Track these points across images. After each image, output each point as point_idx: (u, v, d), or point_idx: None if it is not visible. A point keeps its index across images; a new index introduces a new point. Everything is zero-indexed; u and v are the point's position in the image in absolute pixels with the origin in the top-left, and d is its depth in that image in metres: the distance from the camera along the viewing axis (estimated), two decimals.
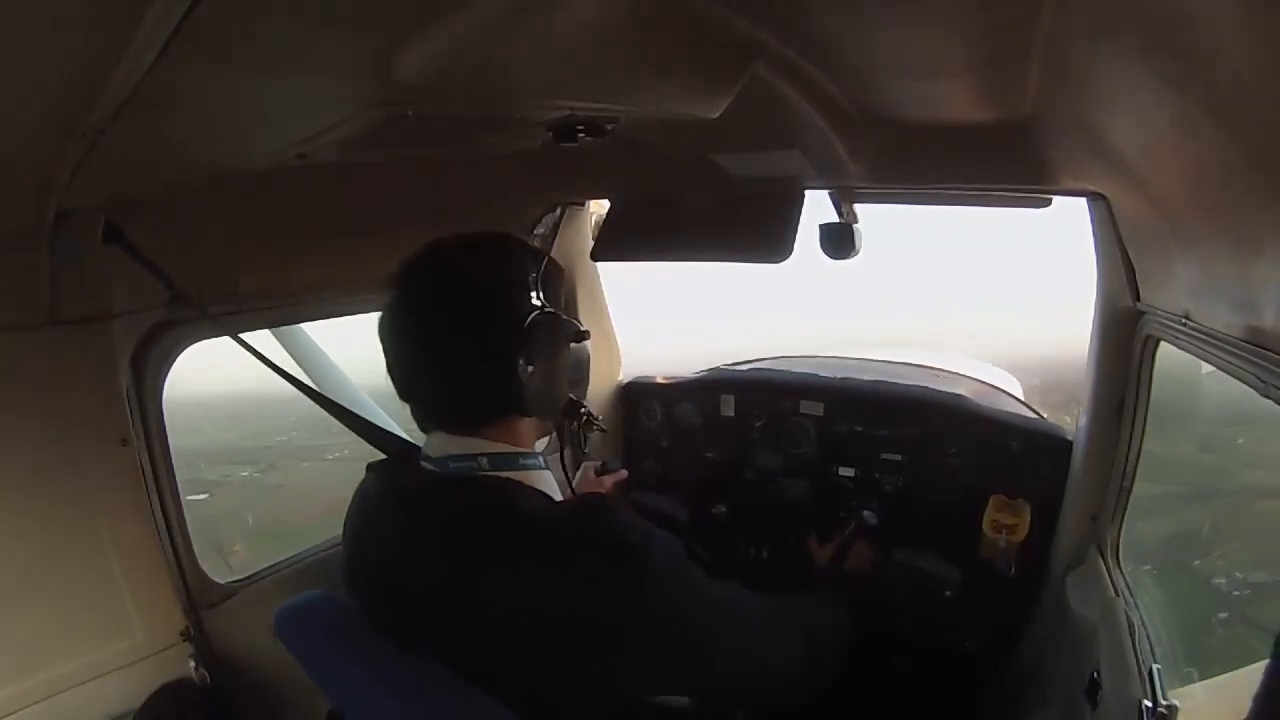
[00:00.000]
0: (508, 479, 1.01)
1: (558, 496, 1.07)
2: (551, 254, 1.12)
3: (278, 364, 1.42)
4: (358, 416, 1.40)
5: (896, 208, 1.88)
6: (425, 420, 1.07)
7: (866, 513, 1.79)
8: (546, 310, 1.02)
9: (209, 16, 0.48)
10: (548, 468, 1.09)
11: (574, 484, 1.72)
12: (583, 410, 1.14)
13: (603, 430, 1.24)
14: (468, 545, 0.96)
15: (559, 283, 1.13)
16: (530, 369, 0.99)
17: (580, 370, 1.12)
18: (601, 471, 1.72)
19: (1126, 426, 1.49)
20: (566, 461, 1.23)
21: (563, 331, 1.06)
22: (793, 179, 1.57)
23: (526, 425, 1.06)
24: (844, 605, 1.35)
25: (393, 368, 1.05)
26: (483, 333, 0.99)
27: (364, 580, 1.09)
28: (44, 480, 1.21)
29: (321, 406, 1.40)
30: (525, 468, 1.04)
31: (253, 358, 1.36)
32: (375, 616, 1.05)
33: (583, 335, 1.11)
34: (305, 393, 1.41)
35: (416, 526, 1.03)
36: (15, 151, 0.76)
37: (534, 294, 1.02)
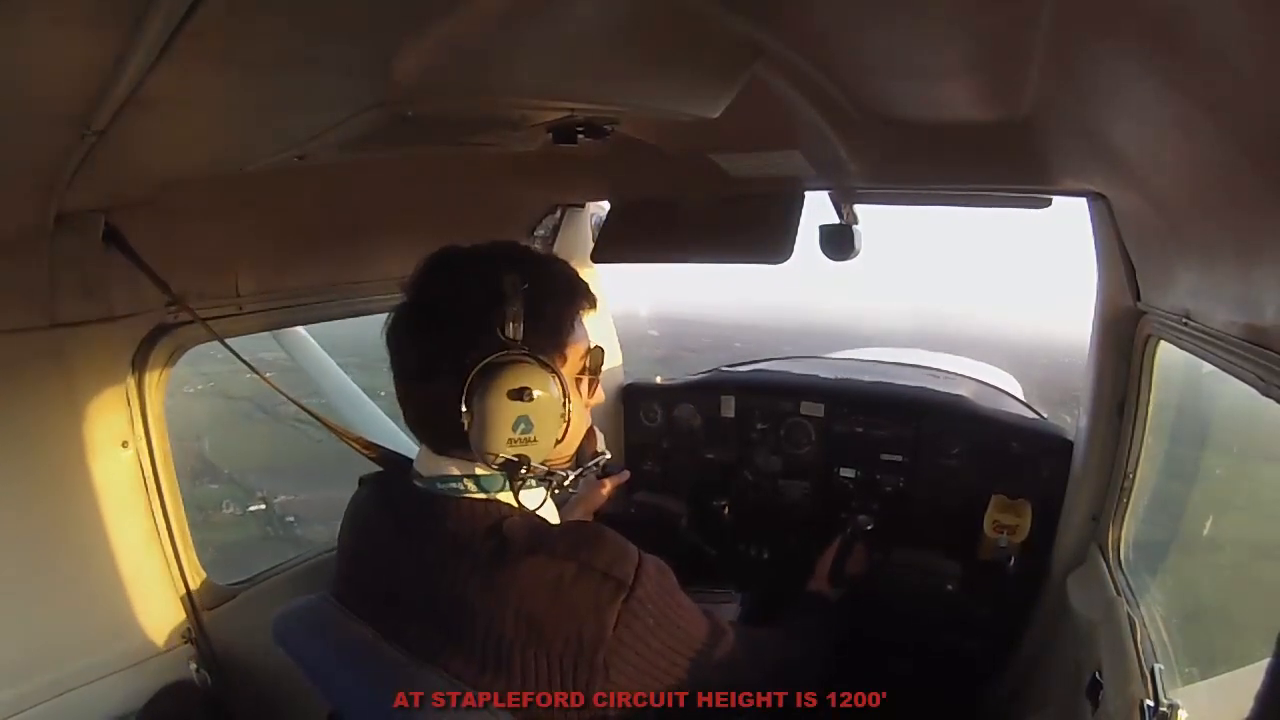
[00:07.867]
0: (495, 501, 1.02)
1: (551, 515, 1.06)
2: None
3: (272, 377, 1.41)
4: (342, 427, 1.38)
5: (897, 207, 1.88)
6: (413, 436, 1.08)
7: (862, 517, 1.80)
8: (498, 359, 0.96)
9: (209, 17, 0.48)
10: (536, 486, 1.07)
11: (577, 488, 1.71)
12: (525, 471, 1.00)
13: (572, 491, 1.10)
14: (457, 568, 0.96)
15: (563, 296, 1.07)
16: (469, 414, 0.96)
17: (528, 428, 0.97)
18: (603, 475, 1.71)
19: (1127, 426, 1.49)
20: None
21: (499, 387, 0.95)
22: (793, 179, 1.56)
23: None
24: (825, 634, 1.36)
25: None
26: (433, 370, 0.99)
27: (359, 595, 1.09)
28: (45, 482, 1.21)
29: (305, 411, 1.39)
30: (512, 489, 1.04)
31: None
32: (374, 629, 1.05)
33: (523, 393, 0.95)
34: (292, 400, 1.40)
35: (408, 546, 1.03)
36: (15, 153, 0.76)
37: (500, 328, 0.96)
